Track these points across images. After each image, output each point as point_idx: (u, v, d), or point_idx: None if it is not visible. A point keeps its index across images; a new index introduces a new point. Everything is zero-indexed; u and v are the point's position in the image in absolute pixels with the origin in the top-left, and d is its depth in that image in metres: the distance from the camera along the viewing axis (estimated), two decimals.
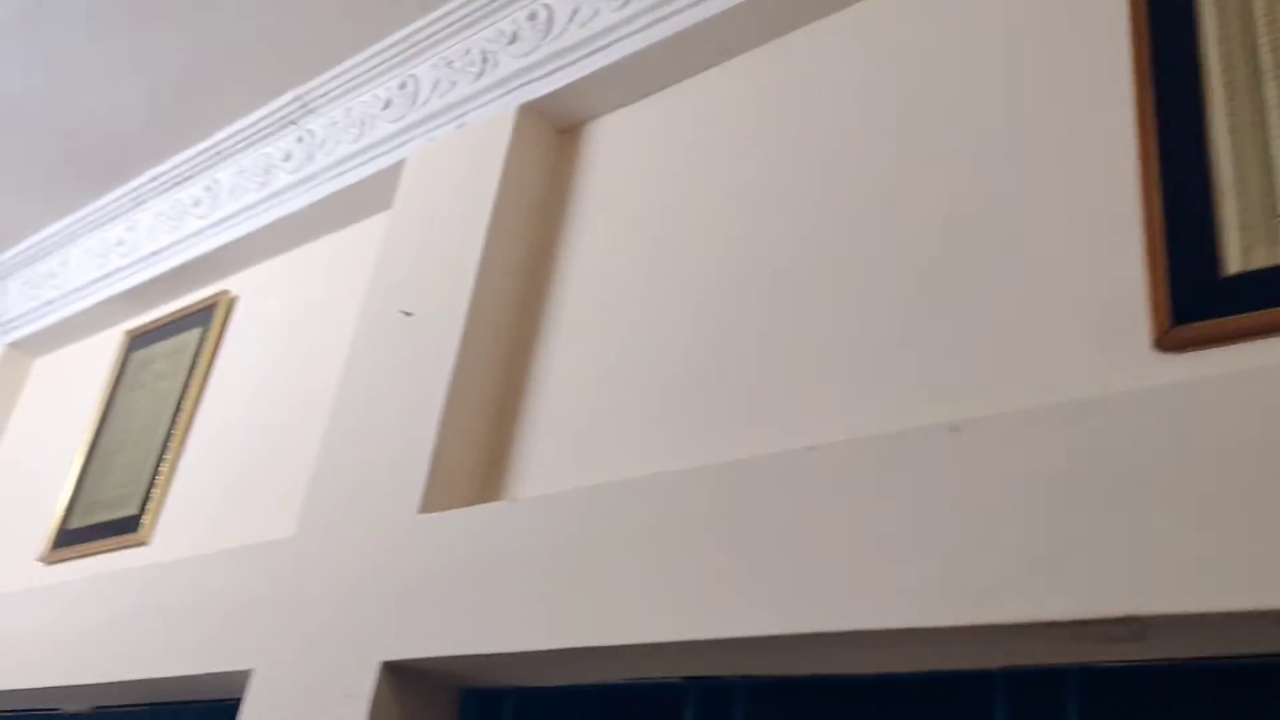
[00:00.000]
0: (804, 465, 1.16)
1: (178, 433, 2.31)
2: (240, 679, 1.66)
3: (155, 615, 1.88)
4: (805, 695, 1.23)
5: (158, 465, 2.30)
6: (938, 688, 1.12)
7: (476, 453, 1.64)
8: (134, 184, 2.58)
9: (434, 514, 1.52)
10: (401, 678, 1.45)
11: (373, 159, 2.11)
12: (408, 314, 1.78)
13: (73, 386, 2.83)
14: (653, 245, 1.65)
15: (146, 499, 2.27)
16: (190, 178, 2.48)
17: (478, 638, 1.35)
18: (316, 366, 2.10)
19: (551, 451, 1.60)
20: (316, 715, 1.47)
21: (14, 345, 3.01)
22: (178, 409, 2.35)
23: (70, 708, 2.18)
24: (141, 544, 2.21)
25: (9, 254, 2.93)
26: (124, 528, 2.27)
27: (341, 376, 1.85)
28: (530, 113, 1.87)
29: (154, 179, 2.54)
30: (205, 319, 2.47)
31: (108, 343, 2.79)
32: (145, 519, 2.23)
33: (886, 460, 1.10)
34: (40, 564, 2.45)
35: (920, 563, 1.02)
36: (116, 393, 2.59)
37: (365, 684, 1.43)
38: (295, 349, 2.20)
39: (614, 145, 1.84)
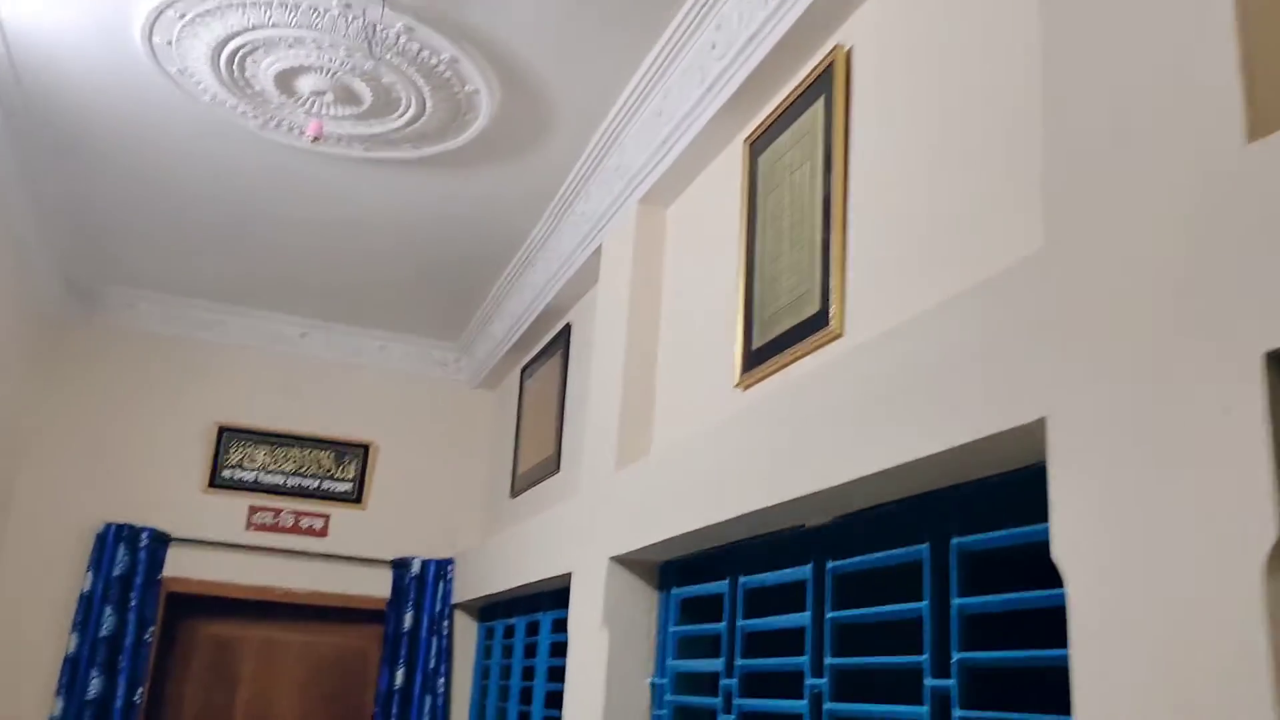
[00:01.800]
0: None
1: (836, 211, 2.03)
2: (1023, 437, 1.32)
3: (886, 396, 1.61)
4: None
5: (825, 253, 2.05)
6: None
7: None
8: None
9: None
10: None
11: None
12: None
13: (708, 220, 2.72)
14: None
15: (826, 290, 2.03)
16: None
17: None
18: (981, 65, 1.68)
19: None
20: (1186, 436, 1.06)
21: (644, 200, 2.99)
22: (827, 187, 2.08)
23: (813, 521, 2.04)
24: (837, 336, 1.98)
25: (617, 107, 2.89)
26: (812, 327, 2.06)
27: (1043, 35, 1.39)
28: None
29: None
30: (825, 85, 2.15)
31: (729, 163, 2.63)
32: (832, 309, 1.99)
33: None
34: (739, 391, 2.36)
35: None
36: (755, 203, 2.40)
37: (1250, 385, 0.98)
38: (945, 63, 1.79)
39: None
